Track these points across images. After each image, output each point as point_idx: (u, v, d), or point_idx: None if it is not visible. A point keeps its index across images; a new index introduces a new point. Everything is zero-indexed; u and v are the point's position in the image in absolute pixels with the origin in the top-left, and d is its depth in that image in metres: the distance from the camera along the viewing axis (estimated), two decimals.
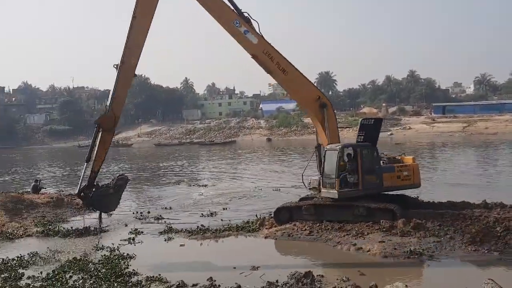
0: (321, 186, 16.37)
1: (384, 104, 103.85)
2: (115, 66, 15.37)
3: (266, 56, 16.40)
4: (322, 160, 16.51)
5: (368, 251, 13.14)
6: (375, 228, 14.71)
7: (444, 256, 12.49)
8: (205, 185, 29.70)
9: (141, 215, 20.11)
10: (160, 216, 19.72)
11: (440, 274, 11.35)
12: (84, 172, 15.94)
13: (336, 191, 15.76)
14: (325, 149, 16.68)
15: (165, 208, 21.71)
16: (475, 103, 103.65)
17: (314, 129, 18.11)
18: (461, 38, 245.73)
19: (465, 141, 59.65)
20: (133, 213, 20.77)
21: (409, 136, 72.09)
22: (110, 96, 15.72)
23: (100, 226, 17.71)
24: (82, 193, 15.87)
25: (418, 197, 19.01)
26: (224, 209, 20.89)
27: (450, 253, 12.63)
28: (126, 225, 18.47)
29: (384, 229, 14.47)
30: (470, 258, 12.30)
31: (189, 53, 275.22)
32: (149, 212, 20.63)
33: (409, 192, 20.31)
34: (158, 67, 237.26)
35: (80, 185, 15.74)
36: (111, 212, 18.20)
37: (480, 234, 13.00)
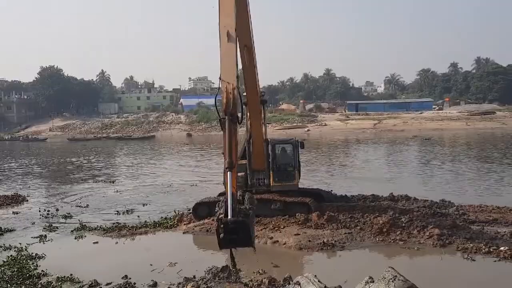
0: (271, 180, 16.53)
1: (301, 101, 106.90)
2: None
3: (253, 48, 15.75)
4: (270, 154, 16.66)
5: (284, 244, 13.50)
6: (291, 222, 15.15)
7: (354, 246, 13.17)
8: (120, 182, 28.86)
9: (47, 213, 19.07)
10: (69, 214, 18.86)
11: (349, 263, 11.97)
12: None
13: (296, 183, 16.31)
14: (273, 142, 16.87)
15: (78, 206, 20.79)
16: (385, 101, 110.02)
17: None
18: (372, 40, 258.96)
19: (375, 138, 63.00)
20: (39, 210, 19.71)
21: (324, 132, 74.80)
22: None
23: None
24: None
25: (332, 191, 19.83)
26: (143, 205, 20.46)
27: (360, 244, 13.34)
28: (33, 223, 17.50)
29: (299, 222, 14.94)
30: (377, 247, 13.07)
31: (107, 44, 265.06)
32: (57, 210, 19.66)
33: (324, 186, 21.23)
34: (74, 58, 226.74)
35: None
36: None
37: (387, 225, 13.82)
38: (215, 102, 9.45)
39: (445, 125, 75.50)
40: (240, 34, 13.93)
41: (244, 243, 7.87)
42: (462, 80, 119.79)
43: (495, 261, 11.49)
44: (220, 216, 7.52)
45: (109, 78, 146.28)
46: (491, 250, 11.97)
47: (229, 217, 7.38)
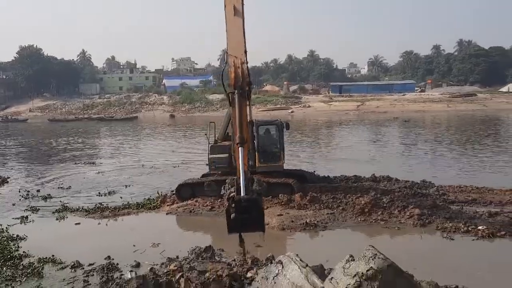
0: (257, 161, 16.54)
1: (285, 83, 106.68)
2: None
3: None
4: (255, 135, 16.65)
5: (267, 224, 13.53)
6: (274, 202, 15.24)
7: (336, 226, 13.33)
8: (102, 163, 28.63)
9: (27, 195, 18.88)
10: (49, 195, 18.70)
11: (331, 243, 12.12)
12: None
13: (281, 164, 16.33)
14: (258, 123, 16.86)
15: (60, 187, 20.61)
16: (368, 83, 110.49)
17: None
18: (355, 21, 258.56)
19: (358, 119, 63.36)
20: (19, 191, 19.50)
21: (308, 114, 74.90)
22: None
23: None
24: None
25: (314, 172, 19.96)
26: (125, 186, 20.35)
27: (342, 224, 13.50)
28: (14, 205, 17.33)
29: (282, 203, 15.05)
30: (359, 227, 13.25)
31: (87, 23, 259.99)
32: (38, 191, 19.48)
33: (307, 168, 21.35)
34: (54, 37, 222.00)
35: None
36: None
37: (369, 205, 14.00)
38: (222, 78, 9.07)
39: (427, 107, 76.13)
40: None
41: (255, 226, 7.37)
42: (444, 62, 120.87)
43: (473, 240, 11.75)
44: (232, 194, 7.14)
45: (90, 58, 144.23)
46: (470, 229, 12.23)
47: (242, 194, 7.04)
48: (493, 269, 9.95)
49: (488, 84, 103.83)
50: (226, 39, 8.99)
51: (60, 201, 17.59)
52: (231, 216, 7.04)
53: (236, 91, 8.17)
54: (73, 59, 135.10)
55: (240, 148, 7.48)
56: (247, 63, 8.65)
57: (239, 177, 7.20)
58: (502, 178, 19.95)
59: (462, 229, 12.29)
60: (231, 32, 9.04)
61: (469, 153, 28.81)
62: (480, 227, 12.21)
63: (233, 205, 7.03)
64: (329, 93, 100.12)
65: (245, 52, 8.82)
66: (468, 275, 9.24)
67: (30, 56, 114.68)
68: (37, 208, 16.68)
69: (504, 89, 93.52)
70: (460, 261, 10.54)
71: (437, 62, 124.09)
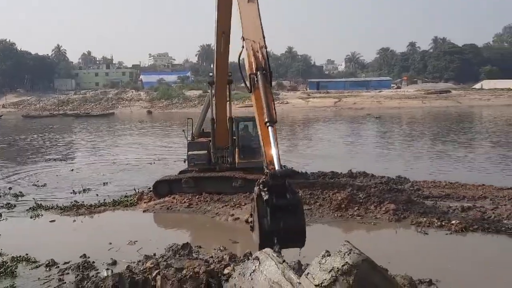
0: (237, 157, 16.50)
1: None
2: None
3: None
4: (235, 131, 16.58)
5: (245, 220, 13.61)
6: (252, 199, 15.23)
7: (314, 222, 13.41)
8: (77, 160, 28.23)
9: None
10: (21, 193, 18.35)
11: (308, 238, 12.15)
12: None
13: (262, 159, 16.19)
14: (237, 120, 16.82)
15: (35, 185, 20.25)
16: (346, 79, 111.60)
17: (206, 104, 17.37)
18: (333, 18, 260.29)
19: (336, 115, 63.91)
20: None
21: (286, 110, 75.07)
22: None
23: None
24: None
25: (292, 168, 20.02)
26: (104, 184, 20.08)
27: (319, 219, 13.60)
28: None
29: None
30: (336, 223, 13.38)
31: (63, 17, 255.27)
32: (10, 189, 19.12)
33: (284, 164, 21.37)
34: (27, 31, 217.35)
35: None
36: None
37: (345, 201, 14.14)
38: (239, 64, 8.72)
39: (403, 103, 77.31)
40: (221, 20, 13.67)
41: (294, 237, 6.78)
42: (419, 59, 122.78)
43: (447, 234, 11.98)
44: (263, 179, 6.67)
45: (65, 53, 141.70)
46: (443, 224, 12.46)
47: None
48: (465, 262, 10.18)
49: (461, 81, 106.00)
50: (241, 25, 8.79)
51: (33, 198, 17.29)
52: (264, 200, 6.41)
53: (258, 72, 7.89)
54: (47, 54, 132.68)
55: (270, 127, 7.11)
56: (266, 48, 8.44)
57: (271, 158, 6.79)
58: (475, 173, 20.40)
59: (436, 224, 12.51)
60: (247, 17, 8.86)
61: (443, 149, 29.35)
62: (453, 222, 12.45)
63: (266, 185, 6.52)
64: (307, 89, 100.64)
65: (263, 37, 8.63)
66: (441, 269, 9.43)
67: (3, 51, 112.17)
68: (13, 205, 16.39)
69: (477, 86, 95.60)
70: (433, 255, 10.73)
71: (412, 59, 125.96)
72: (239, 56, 8.56)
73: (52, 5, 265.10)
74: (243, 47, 8.42)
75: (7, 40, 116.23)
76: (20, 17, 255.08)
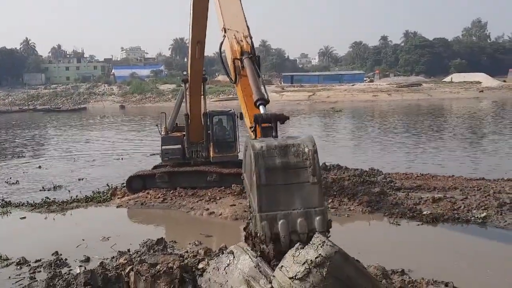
0: (212, 152, 16.42)
1: None
2: None
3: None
4: (210, 126, 16.48)
5: (220, 214, 13.61)
6: (227, 193, 15.26)
7: None
8: (47, 157, 27.67)
9: None
10: None
11: None
12: None
13: (237, 153, 16.23)
14: (211, 114, 16.76)
15: (7, 182, 19.74)
16: (319, 73, 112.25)
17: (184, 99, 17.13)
18: (306, 12, 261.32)
19: (310, 109, 64.30)
20: None
21: None
22: None
23: None
24: None
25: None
26: (78, 180, 19.71)
27: None
28: None
29: (235, 193, 15.08)
30: None
31: (32, 9, 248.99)
32: None
33: None
34: None
35: None
36: None
37: None
38: (220, 55, 8.43)
39: (376, 96, 78.33)
40: (196, 31, 13.55)
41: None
42: (391, 53, 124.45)
43: (418, 224, 12.22)
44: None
45: (34, 46, 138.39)
46: (415, 215, 12.71)
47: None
48: (437, 252, 10.40)
49: (432, 74, 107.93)
50: (220, 16, 8.61)
51: None
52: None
53: (244, 56, 7.68)
54: (15, 48, 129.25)
55: (261, 106, 6.76)
56: (251, 37, 8.24)
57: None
58: (445, 164, 20.84)
59: (408, 215, 12.75)
60: (228, 9, 8.70)
61: (413, 141, 29.88)
62: (424, 213, 12.71)
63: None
64: (281, 83, 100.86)
65: (248, 28, 8.45)
66: (413, 259, 9.62)
67: None
68: None
69: (447, 79, 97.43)
70: (406, 245, 10.95)
71: (384, 52, 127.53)
72: (220, 47, 8.41)
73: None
74: (224, 36, 8.28)
75: None
76: None
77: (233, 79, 7.99)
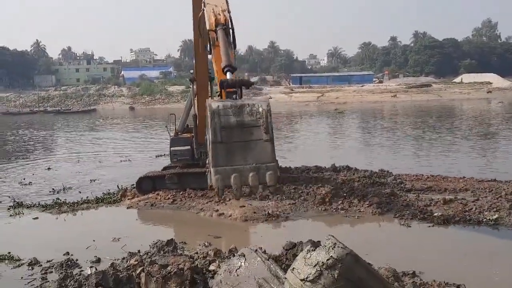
0: None
1: (246, 74, 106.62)
2: None
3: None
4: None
5: (229, 216, 13.61)
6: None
7: (298, 216, 13.48)
8: (58, 158, 27.86)
9: None
10: None
11: (293, 233, 12.21)
12: None
13: None
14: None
15: (21, 183, 19.88)
16: (328, 74, 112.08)
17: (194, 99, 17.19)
18: (315, 13, 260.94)
19: (319, 110, 64.18)
20: None
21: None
22: None
23: None
24: None
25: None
26: (90, 181, 19.78)
27: (304, 214, 13.65)
28: None
29: (244, 194, 15.03)
30: (320, 217, 13.45)
31: (43, 12, 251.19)
32: None
33: None
34: (5, 27, 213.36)
35: None
36: None
37: (329, 195, 14.22)
38: (199, 27, 8.52)
39: (385, 97, 78.04)
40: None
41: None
42: (401, 54, 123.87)
43: (429, 226, 12.12)
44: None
45: (44, 49, 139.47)
46: (426, 216, 12.61)
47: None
48: (448, 254, 10.33)
49: (442, 75, 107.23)
50: None
51: (9, 196, 17.08)
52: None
53: (218, 28, 7.84)
54: (26, 50, 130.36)
55: (228, 73, 6.96)
56: (229, 12, 8.37)
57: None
58: (456, 166, 20.69)
59: (418, 216, 12.66)
60: None
61: (424, 142, 29.71)
62: (435, 214, 12.61)
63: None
64: (289, 84, 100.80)
65: (227, 3, 8.57)
66: (425, 261, 9.55)
67: None
68: None
69: (457, 79, 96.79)
70: (417, 247, 10.87)
71: (394, 53, 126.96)
72: (199, 20, 8.51)
73: (32, 4, 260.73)
74: (202, 10, 8.41)
75: None
76: None
77: (208, 50, 8.29)
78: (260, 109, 5.45)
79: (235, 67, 6.97)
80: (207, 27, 8.19)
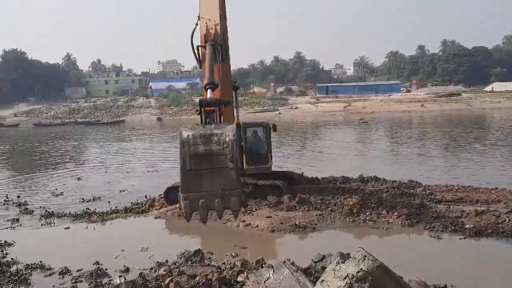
0: (245, 163, 16.53)
1: (272, 84, 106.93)
2: None
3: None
4: (243, 137, 16.65)
5: (256, 226, 13.59)
6: (263, 204, 15.22)
7: (325, 227, 13.36)
8: (88, 168, 28.39)
9: (5, 201, 18.63)
10: (25, 202, 18.41)
11: (320, 245, 12.11)
12: None
13: (269, 165, 16.33)
14: (245, 125, 16.85)
15: (53, 193, 20.33)
16: (355, 84, 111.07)
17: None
18: (341, 23, 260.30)
19: (345, 120, 63.72)
20: None
21: (295, 115, 75.14)
22: None
23: None
24: None
25: (303, 173, 20.00)
26: (120, 191, 20.09)
27: (331, 225, 13.53)
28: None
29: (271, 205, 15.04)
30: (348, 228, 13.29)
31: (72, 25, 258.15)
32: (19, 197, 19.31)
33: (295, 169, 21.39)
34: (38, 42, 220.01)
35: None
36: None
37: (357, 206, 14.05)
38: (191, 39, 8.84)
39: (413, 106, 76.95)
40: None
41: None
42: (429, 63, 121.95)
43: (461, 238, 11.85)
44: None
45: (75, 61, 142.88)
46: (457, 228, 12.34)
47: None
48: (481, 267, 10.07)
49: (471, 84, 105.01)
50: (198, 5, 9.03)
51: (41, 206, 17.47)
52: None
53: (207, 44, 8.10)
54: (58, 63, 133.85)
55: (208, 90, 7.25)
56: (222, 25, 8.60)
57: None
58: (487, 177, 20.18)
59: (449, 228, 12.40)
60: None
61: (453, 152, 29.11)
62: (467, 226, 12.33)
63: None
64: (315, 94, 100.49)
65: (224, 17, 8.83)
66: (456, 274, 9.33)
67: (14, 60, 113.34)
68: (32, 210, 16.74)
69: (488, 88, 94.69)
70: (448, 260, 10.63)
71: (421, 62, 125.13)
72: (192, 34, 8.69)
73: (62, 14, 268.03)
74: (196, 24, 8.59)
75: (18, 49, 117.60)
76: (31, 27, 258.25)
77: (198, 65, 8.49)
78: (227, 139, 5.72)
79: (217, 84, 7.21)
80: (199, 43, 8.42)
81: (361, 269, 4.62)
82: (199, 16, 8.70)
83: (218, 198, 5.88)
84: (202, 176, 5.79)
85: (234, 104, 16.65)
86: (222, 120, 6.62)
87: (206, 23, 8.40)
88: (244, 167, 16.58)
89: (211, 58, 7.83)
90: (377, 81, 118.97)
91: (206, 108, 6.64)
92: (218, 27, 8.41)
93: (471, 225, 12.34)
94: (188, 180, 5.86)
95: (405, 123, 56.47)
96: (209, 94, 7.12)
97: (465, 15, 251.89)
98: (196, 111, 6.94)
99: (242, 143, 16.68)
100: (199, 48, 8.28)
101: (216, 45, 8.09)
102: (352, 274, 4.61)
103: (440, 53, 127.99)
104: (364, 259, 4.69)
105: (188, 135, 5.81)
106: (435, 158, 26.99)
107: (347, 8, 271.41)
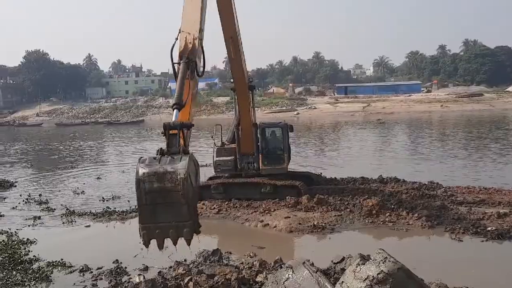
0: (260, 164, 16.52)
1: (291, 85, 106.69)
2: None
3: (239, 38, 14.90)
4: (259, 138, 16.66)
5: (274, 227, 13.58)
6: (281, 205, 15.20)
7: (344, 228, 13.27)
8: (109, 167, 28.70)
9: (27, 199, 18.91)
10: (46, 200, 18.67)
11: (339, 246, 12.04)
12: None
13: (285, 166, 16.35)
14: (262, 126, 16.85)
15: (75, 192, 20.60)
16: (374, 84, 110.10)
17: (234, 109, 17.40)
18: (360, 22, 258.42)
19: (364, 120, 63.23)
20: (20, 195, 19.80)
21: (314, 115, 74.83)
22: None
23: None
24: None
25: (321, 173, 19.92)
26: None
27: (350, 226, 13.43)
28: (13, 208, 17.56)
29: (289, 205, 15.00)
30: (367, 229, 13.18)
31: (93, 27, 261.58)
32: (40, 195, 19.59)
33: (313, 169, 21.31)
34: (60, 42, 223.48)
35: None
36: None
37: (376, 207, 13.92)
38: (171, 54, 8.91)
39: (433, 107, 75.98)
40: (225, 26, 13.80)
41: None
42: (450, 63, 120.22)
43: (482, 241, 11.66)
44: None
45: (96, 62, 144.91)
46: (479, 230, 12.14)
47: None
48: (503, 270, 9.87)
49: (494, 84, 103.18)
50: (181, 17, 9.08)
51: (61, 204, 17.73)
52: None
53: (182, 60, 8.20)
54: (79, 63, 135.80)
55: (175, 110, 7.61)
56: (200, 39, 8.67)
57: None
58: (510, 178, 19.79)
59: (471, 231, 12.20)
60: (187, 10, 9.18)
61: (476, 154, 28.64)
62: (489, 228, 12.12)
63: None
64: (334, 94, 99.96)
65: (201, 30, 8.88)
66: (478, 277, 9.18)
67: (36, 61, 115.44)
68: (53, 209, 17.00)
69: (511, 88, 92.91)
70: (469, 262, 10.46)
71: (442, 62, 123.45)
72: (172, 49, 8.70)
73: (83, 15, 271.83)
74: (176, 39, 8.60)
75: (41, 50, 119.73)
76: (51, 28, 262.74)
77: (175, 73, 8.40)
78: (179, 177, 6.21)
79: (183, 104, 7.61)
80: (176, 59, 8.48)
81: (381, 271, 4.57)
82: (179, 30, 8.73)
83: (172, 229, 6.47)
84: (157, 209, 6.38)
85: (251, 104, 16.60)
86: (185, 143, 7.26)
87: (186, 37, 8.48)
88: (260, 168, 16.60)
89: (182, 77, 8.01)
90: (396, 81, 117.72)
91: (170, 132, 7.13)
92: (197, 41, 8.48)
93: (493, 228, 12.14)
94: (145, 213, 6.43)
95: (425, 123, 55.77)
96: (174, 114, 7.58)
97: (488, 14, 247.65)
98: (162, 133, 7.34)
99: (259, 143, 16.68)
100: (174, 65, 8.36)
101: (190, 62, 8.20)
102: (373, 276, 4.57)
103: (462, 53, 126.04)
104: (385, 261, 4.65)
105: (144, 173, 6.37)
106: (456, 159, 26.57)
107: (366, 7, 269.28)
